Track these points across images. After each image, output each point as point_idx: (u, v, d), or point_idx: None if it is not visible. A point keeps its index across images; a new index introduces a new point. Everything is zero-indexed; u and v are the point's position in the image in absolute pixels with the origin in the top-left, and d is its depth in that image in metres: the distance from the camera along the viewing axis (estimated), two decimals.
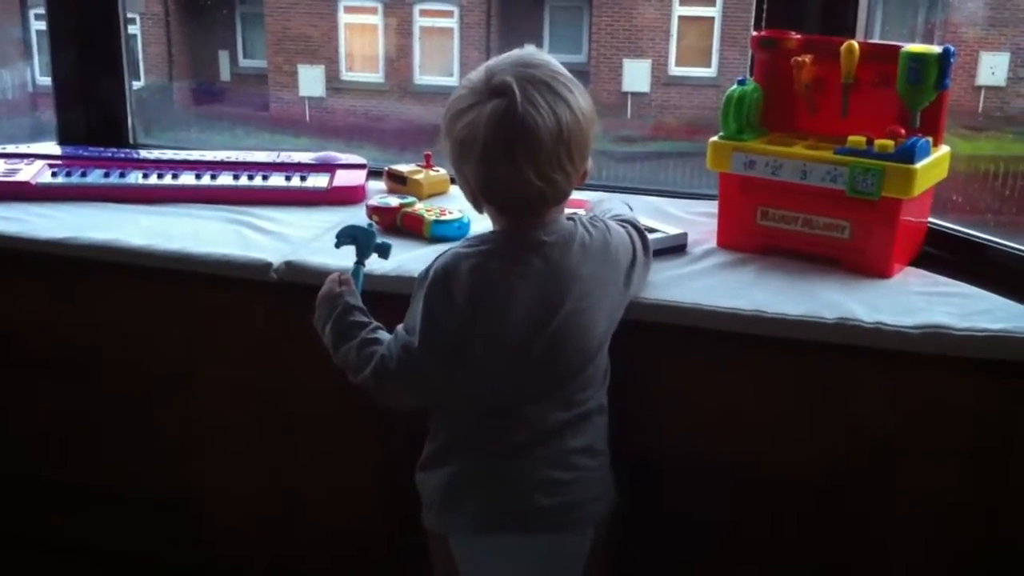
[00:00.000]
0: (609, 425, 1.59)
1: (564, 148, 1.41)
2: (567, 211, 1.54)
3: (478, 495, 1.52)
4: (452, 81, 8.86)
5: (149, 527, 2.14)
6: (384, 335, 1.56)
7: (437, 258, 1.50)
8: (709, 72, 8.87)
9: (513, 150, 1.40)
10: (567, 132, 1.41)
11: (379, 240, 1.67)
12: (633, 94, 8.92)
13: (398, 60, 9.10)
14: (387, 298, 1.66)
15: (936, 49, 1.70)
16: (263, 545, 2.07)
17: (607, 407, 1.58)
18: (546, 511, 1.50)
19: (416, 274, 1.54)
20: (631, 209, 1.76)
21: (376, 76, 9.16)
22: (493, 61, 1.46)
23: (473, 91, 1.43)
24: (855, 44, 1.77)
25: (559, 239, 1.48)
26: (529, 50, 1.47)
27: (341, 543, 2.00)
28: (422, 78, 9.06)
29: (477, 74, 1.45)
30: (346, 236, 1.68)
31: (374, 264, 1.70)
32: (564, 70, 1.46)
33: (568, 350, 1.49)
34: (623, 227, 1.61)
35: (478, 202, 1.50)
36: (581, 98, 1.44)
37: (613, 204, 1.78)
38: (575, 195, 1.55)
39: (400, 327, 1.53)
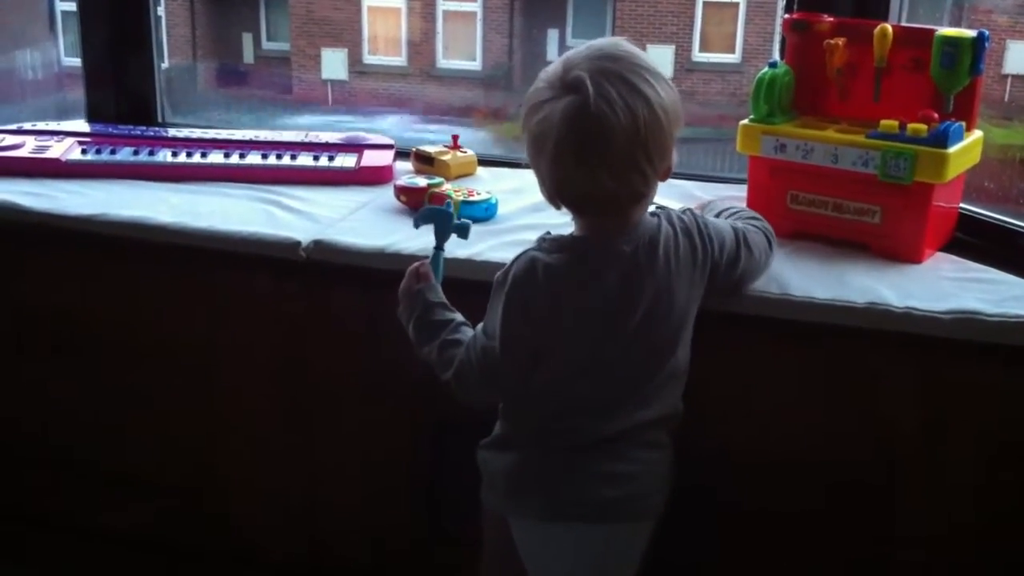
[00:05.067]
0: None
1: (641, 148, 1.35)
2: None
3: (545, 485, 1.50)
4: (475, 65, 8.85)
5: (174, 512, 2.15)
6: (465, 334, 1.54)
7: (516, 259, 1.47)
8: (733, 58, 8.82)
9: (586, 152, 1.35)
10: (644, 130, 1.34)
11: (457, 221, 1.66)
12: None
13: (421, 44, 9.08)
14: None
15: (971, 33, 1.69)
16: (288, 533, 2.08)
17: (682, 407, 1.56)
18: (612, 502, 1.49)
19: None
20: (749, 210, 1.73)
21: (399, 60, 9.14)
22: (573, 52, 1.39)
23: (550, 85, 1.37)
24: (888, 28, 1.76)
25: (640, 244, 1.44)
26: (612, 40, 1.39)
27: (366, 531, 2.01)
28: (445, 62, 9.04)
29: (555, 66, 1.39)
30: (424, 218, 1.67)
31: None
32: (648, 62, 1.38)
33: (643, 354, 1.48)
34: (728, 224, 1.57)
35: (555, 200, 1.45)
36: (662, 92, 1.36)
37: (724, 203, 1.74)
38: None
39: (479, 328, 1.52)
